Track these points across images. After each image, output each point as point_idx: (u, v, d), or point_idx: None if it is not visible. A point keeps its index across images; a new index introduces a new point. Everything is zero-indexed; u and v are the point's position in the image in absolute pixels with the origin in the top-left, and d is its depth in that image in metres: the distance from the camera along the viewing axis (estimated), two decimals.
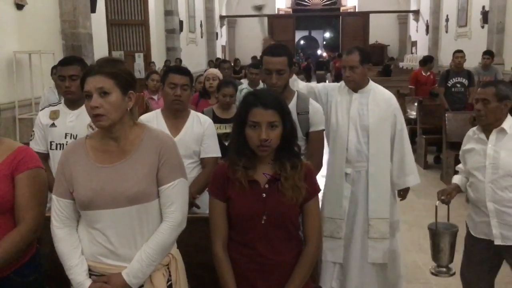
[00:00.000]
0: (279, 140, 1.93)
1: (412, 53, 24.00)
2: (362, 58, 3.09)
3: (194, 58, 17.76)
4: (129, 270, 1.88)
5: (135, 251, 1.90)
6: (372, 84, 3.23)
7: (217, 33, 22.90)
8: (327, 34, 37.62)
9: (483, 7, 14.56)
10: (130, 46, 13.53)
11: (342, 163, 3.14)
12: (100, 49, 10.07)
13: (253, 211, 1.94)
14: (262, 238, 1.95)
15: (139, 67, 13.15)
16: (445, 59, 16.47)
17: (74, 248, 1.92)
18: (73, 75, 3.00)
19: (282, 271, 1.98)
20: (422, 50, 21.72)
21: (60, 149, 3.02)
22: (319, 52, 36.71)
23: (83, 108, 3.11)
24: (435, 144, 7.62)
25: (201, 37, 20.65)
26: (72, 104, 3.10)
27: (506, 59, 11.33)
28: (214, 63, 15.12)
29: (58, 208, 1.94)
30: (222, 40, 24.67)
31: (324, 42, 38.37)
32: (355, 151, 3.12)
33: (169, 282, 1.99)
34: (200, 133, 2.96)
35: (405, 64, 22.86)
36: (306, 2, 26.55)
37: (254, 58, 14.10)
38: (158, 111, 3.06)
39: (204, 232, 2.13)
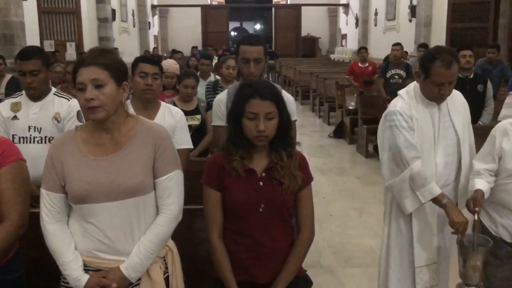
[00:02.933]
0: (275, 130, 1.97)
1: (342, 45, 24.72)
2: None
3: (127, 48, 17.29)
4: (127, 264, 1.85)
5: (132, 245, 1.87)
6: None
7: (149, 23, 22.43)
8: (258, 26, 37.86)
9: (411, 1, 15.27)
10: (62, 35, 13.00)
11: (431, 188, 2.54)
12: (31, 38, 9.60)
13: (250, 199, 1.96)
14: (260, 226, 1.98)
15: (71, 57, 12.65)
16: (374, 52, 17.11)
17: (67, 244, 1.87)
18: (34, 70, 2.87)
19: (277, 258, 2.02)
20: (352, 43, 22.44)
21: (23, 143, 2.89)
22: None
23: (46, 100, 3.01)
24: (375, 133, 7.93)
25: (134, 26, 20.16)
26: (31, 97, 2.96)
27: None
28: (151, 53, 14.82)
29: (49, 203, 1.87)
30: (154, 30, 24.19)
31: (243, 36, 38.51)
32: (443, 174, 2.61)
33: (166, 274, 1.98)
34: (172, 125, 2.93)
35: (336, 56, 23.52)
36: None
37: (194, 48, 13.94)
38: (128, 102, 3.00)
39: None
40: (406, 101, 2.60)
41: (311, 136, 9.36)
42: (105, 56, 1.83)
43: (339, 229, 4.78)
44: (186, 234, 2.58)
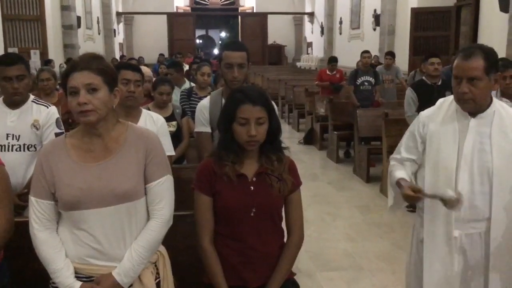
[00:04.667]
0: (265, 135, 2.00)
1: (308, 53, 25.05)
2: (488, 64, 2.10)
3: None
4: (120, 269, 1.84)
5: (124, 250, 1.87)
6: (495, 103, 2.23)
7: (114, 30, 22.19)
8: (223, 34, 37.94)
9: (375, 10, 15.63)
10: (26, 42, 12.74)
11: (448, 223, 2.20)
12: None
13: (242, 203, 1.99)
14: (251, 230, 2.01)
15: (35, 65, 12.37)
16: (340, 59, 17.37)
17: (58, 251, 1.85)
18: (20, 75, 2.85)
19: (268, 262, 2.05)
20: (317, 51, 22.78)
21: (1, 151, 2.84)
22: (215, 51, 36.89)
23: (24, 107, 2.97)
24: (345, 139, 8.08)
25: (98, 34, 19.91)
26: (13, 103, 2.92)
27: (397, 60, 12.23)
28: (119, 60, 14.66)
29: (38, 210, 1.85)
30: (119, 37, 23.94)
31: (220, 42, 38.65)
32: (468, 205, 2.15)
33: (157, 280, 1.97)
34: (154, 132, 2.91)
35: (302, 64, 23.80)
36: (204, 1, 26.58)
37: (161, 55, 13.88)
38: None
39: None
40: (435, 110, 2.32)
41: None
42: (97, 61, 1.83)
43: (314, 234, 4.83)
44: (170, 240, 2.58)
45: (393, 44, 14.21)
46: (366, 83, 7.69)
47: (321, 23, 22.08)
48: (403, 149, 2.41)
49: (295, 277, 2.23)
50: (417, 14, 12.58)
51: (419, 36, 12.62)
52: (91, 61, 1.81)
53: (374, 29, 15.77)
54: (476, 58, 2.09)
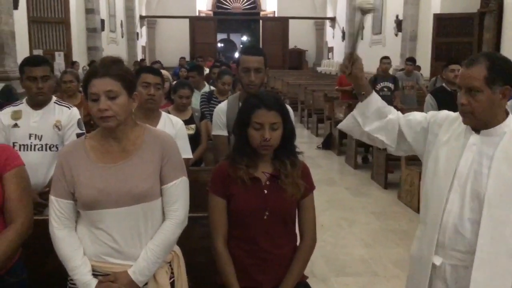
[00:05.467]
0: (280, 139, 2.03)
1: (328, 58, 25.00)
2: (492, 74, 1.82)
3: None
4: (135, 268, 1.89)
5: (139, 249, 1.91)
6: (511, 123, 1.91)
7: (137, 33, 22.48)
8: (245, 38, 38.09)
9: (397, 16, 15.56)
10: (51, 44, 12.99)
11: (430, 245, 1.96)
12: (21, 47, 9.59)
13: (255, 206, 2.02)
14: (264, 233, 2.04)
15: (59, 67, 12.61)
16: None
17: (76, 249, 1.90)
18: (45, 76, 2.95)
19: (280, 264, 2.08)
20: (338, 56, 22.73)
21: (24, 150, 2.92)
22: (236, 55, 37.04)
23: (47, 109, 3.05)
24: (363, 145, 8.05)
25: (122, 37, 20.21)
26: (37, 104, 3.01)
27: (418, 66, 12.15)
28: (139, 63, 14.85)
29: (58, 209, 1.91)
30: (142, 40, 24.23)
31: (241, 46, 38.78)
32: (454, 231, 1.89)
33: (172, 279, 2.02)
34: (172, 134, 2.95)
35: (322, 69, 23.77)
36: (227, 5, 26.75)
37: (182, 59, 14.02)
38: None
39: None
40: (455, 117, 2.03)
41: (300, 147, 9.38)
42: (117, 66, 1.88)
43: (330, 239, 4.83)
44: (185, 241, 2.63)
45: (415, 50, 14.13)
46: (385, 89, 7.67)
47: (343, 28, 22.04)
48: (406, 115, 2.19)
49: (308, 280, 2.25)
50: (440, 20, 12.50)
51: (441, 42, 12.53)
52: (111, 67, 1.86)
53: (396, 35, 15.70)
54: (478, 67, 1.83)
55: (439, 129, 2.04)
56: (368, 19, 18.69)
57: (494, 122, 1.89)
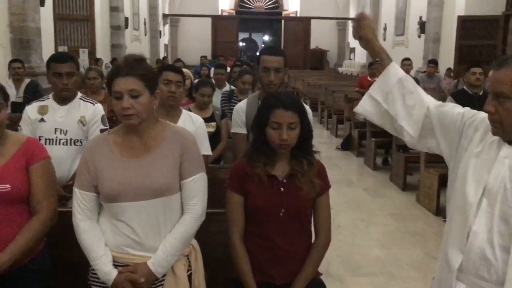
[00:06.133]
0: (297, 139, 2.07)
1: (350, 59, 24.89)
2: None
3: None
4: (154, 259, 1.95)
5: (159, 242, 1.98)
6: None
7: (160, 32, 22.68)
8: (267, 37, 38.10)
9: (420, 17, 15.42)
10: (75, 41, 13.21)
11: (451, 270, 1.71)
12: (47, 43, 9.77)
13: (271, 203, 2.07)
14: (279, 230, 2.09)
15: (83, 63, 12.81)
16: None
17: (98, 240, 1.97)
18: (70, 72, 3.03)
19: (294, 261, 2.12)
20: (360, 57, 22.59)
21: (49, 144, 3.01)
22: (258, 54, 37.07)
23: (72, 104, 3.14)
24: (383, 147, 8.03)
25: (145, 35, 20.41)
26: (63, 99, 3.10)
27: (441, 68, 12.07)
28: (162, 61, 15.01)
29: (81, 201, 1.98)
30: (164, 38, 24.44)
31: (263, 45, 38.82)
32: (480, 257, 1.64)
33: (189, 272, 2.08)
34: (192, 131, 3.01)
35: (344, 69, 23.68)
36: (249, 4, 26.81)
37: (204, 57, 14.14)
38: None
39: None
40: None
41: (319, 148, 9.39)
42: (140, 66, 1.94)
43: (347, 239, 4.85)
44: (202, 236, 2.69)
45: (438, 52, 14.00)
46: None
47: None
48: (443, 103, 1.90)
49: (324, 280, 2.28)
50: (464, 22, 12.37)
51: (465, 45, 12.39)
52: (134, 66, 1.91)
53: (419, 36, 15.56)
54: (508, 69, 1.57)
55: (475, 133, 1.75)
56: (391, 20, 18.58)
57: None
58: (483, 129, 1.73)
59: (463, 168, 1.72)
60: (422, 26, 15.19)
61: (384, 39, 19.49)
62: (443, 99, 8.31)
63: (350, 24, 25.14)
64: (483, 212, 1.64)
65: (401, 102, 1.89)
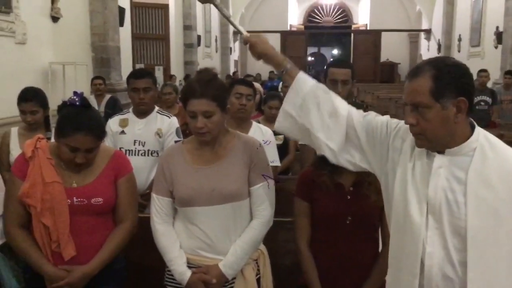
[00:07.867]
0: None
1: None
2: (438, 85, 1.51)
3: None
4: (225, 262, 2.06)
5: (229, 245, 2.08)
6: (479, 137, 1.58)
7: (230, 48, 23.23)
8: (335, 51, 37.93)
9: (497, 27, 14.81)
10: (151, 59, 13.82)
11: None
12: (125, 61, 10.32)
13: (338, 211, 2.12)
14: (345, 238, 2.13)
15: (158, 80, 13.34)
16: None
17: (173, 242, 2.11)
18: (147, 87, 3.24)
19: (360, 269, 2.15)
20: None
21: (129, 155, 3.21)
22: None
23: (150, 117, 3.34)
24: None
25: (216, 51, 20.97)
26: (141, 113, 3.31)
27: None
28: (232, 77, 15.38)
29: (159, 206, 2.13)
30: (234, 55, 25.00)
31: (332, 59, 38.53)
32: (441, 277, 1.53)
33: (258, 276, 2.17)
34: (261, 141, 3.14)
35: None
36: (318, 19, 26.88)
37: (272, 72, 14.36)
38: None
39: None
40: None
41: None
42: (213, 86, 2.04)
43: None
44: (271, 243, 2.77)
45: None
46: (482, 103, 7.39)
47: (438, 40, 21.32)
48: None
49: None
50: None
51: None
52: (208, 88, 2.01)
53: (496, 47, 14.92)
54: (422, 78, 1.51)
55: (403, 144, 1.66)
56: (466, 30, 17.98)
57: (456, 140, 1.54)
58: (410, 140, 1.64)
59: (401, 186, 1.62)
60: (499, 36, 14.57)
61: (459, 51, 18.85)
62: None
63: (422, 36, 24.57)
64: (432, 231, 1.53)
65: (315, 113, 1.78)
